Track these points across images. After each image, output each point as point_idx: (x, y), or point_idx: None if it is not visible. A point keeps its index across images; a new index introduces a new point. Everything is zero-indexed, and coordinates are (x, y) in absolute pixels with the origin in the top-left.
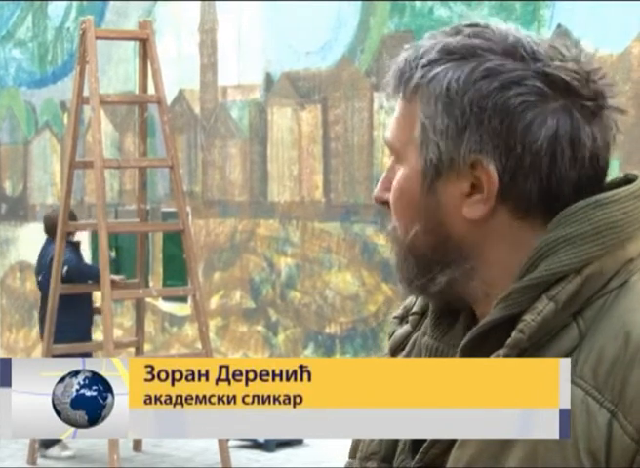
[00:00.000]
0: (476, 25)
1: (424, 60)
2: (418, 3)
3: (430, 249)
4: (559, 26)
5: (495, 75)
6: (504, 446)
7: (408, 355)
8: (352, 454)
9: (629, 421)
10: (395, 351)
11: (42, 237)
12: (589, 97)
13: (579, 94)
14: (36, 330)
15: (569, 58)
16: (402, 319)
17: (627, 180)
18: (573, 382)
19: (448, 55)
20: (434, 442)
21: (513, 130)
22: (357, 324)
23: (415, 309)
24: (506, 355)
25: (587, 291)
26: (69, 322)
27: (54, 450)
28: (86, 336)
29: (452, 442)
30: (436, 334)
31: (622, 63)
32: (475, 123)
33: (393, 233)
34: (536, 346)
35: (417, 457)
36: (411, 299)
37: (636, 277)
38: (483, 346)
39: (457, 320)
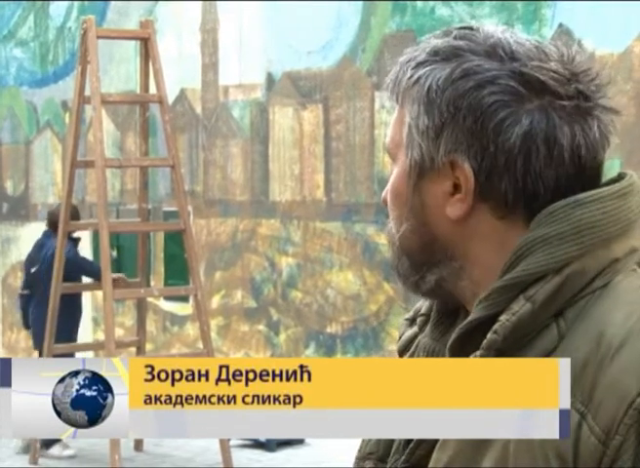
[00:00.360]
0: (466, 28)
1: (413, 63)
2: (419, 3)
3: (418, 248)
4: (560, 26)
5: (471, 75)
6: (481, 447)
7: (411, 356)
8: None
9: (597, 422)
10: (402, 353)
11: None
12: (569, 97)
13: (556, 93)
14: None
15: (553, 59)
16: (412, 321)
17: (620, 180)
18: None
19: (433, 56)
20: (420, 443)
21: (486, 128)
22: (358, 323)
23: (422, 311)
24: (482, 356)
25: (568, 291)
26: (60, 321)
27: (54, 450)
28: (73, 337)
29: (436, 443)
30: (435, 334)
31: (623, 63)
32: (452, 122)
33: (390, 232)
34: (516, 347)
35: (403, 458)
36: (422, 302)
37: (620, 277)
38: (469, 345)
39: (456, 321)
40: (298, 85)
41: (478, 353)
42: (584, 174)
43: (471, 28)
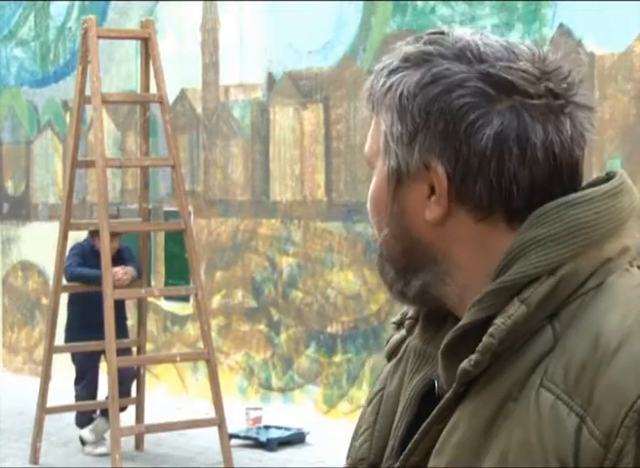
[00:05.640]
0: (436, 32)
1: (385, 71)
2: (419, 2)
3: (400, 253)
4: (561, 26)
5: (440, 79)
6: (479, 452)
7: (400, 359)
8: None
9: (597, 426)
10: (390, 356)
11: (44, 236)
12: (539, 96)
13: (526, 93)
14: (39, 329)
15: (523, 58)
16: (400, 324)
17: (609, 179)
18: (543, 386)
19: (404, 63)
20: (414, 448)
21: (457, 132)
22: (359, 323)
23: (410, 314)
24: (477, 360)
25: (562, 292)
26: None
27: (88, 447)
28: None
29: (431, 449)
30: (425, 337)
31: (624, 63)
32: (424, 128)
33: (374, 239)
34: (510, 350)
35: (397, 464)
36: None
37: (613, 277)
38: (462, 349)
39: (445, 324)
40: (298, 85)
41: (473, 356)
42: (561, 172)
43: (442, 32)
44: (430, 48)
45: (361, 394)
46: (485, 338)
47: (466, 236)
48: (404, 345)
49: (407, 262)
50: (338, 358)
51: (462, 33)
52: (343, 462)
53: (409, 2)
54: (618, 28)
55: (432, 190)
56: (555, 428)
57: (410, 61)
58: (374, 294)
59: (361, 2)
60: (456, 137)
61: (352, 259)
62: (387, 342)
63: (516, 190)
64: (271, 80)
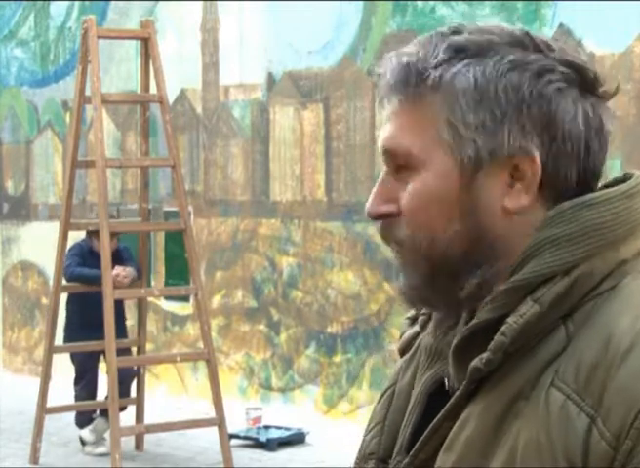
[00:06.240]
0: (468, 25)
1: (435, 61)
2: (419, 2)
3: (463, 251)
4: (561, 26)
5: (522, 65)
6: (487, 450)
7: (412, 355)
8: None
9: (607, 427)
10: (403, 352)
11: (44, 236)
12: (598, 86)
13: (591, 82)
14: (39, 329)
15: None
16: (413, 320)
17: (626, 180)
18: (554, 386)
19: (460, 52)
20: (423, 445)
21: (553, 116)
22: (359, 323)
23: (424, 309)
24: (489, 359)
25: (576, 293)
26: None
27: (88, 447)
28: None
29: (439, 446)
30: (437, 334)
31: (624, 63)
32: (514, 113)
33: (409, 245)
34: (524, 349)
35: (406, 460)
36: None
37: (628, 279)
38: (473, 347)
39: (457, 321)
40: (298, 85)
41: (485, 355)
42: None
43: (470, 25)
44: (487, 37)
45: (361, 394)
46: (497, 337)
47: (535, 227)
48: (417, 341)
49: (468, 260)
50: (338, 358)
51: (496, 25)
52: (346, 462)
53: (409, 2)
54: (618, 28)
55: (512, 178)
56: (565, 428)
57: (467, 51)
58: (374, 294)
59: (361, 2)
60: (551, 122)
61: (352, 259)
62: (401, 337)
63: (593, 179)
64: (271, 80)
